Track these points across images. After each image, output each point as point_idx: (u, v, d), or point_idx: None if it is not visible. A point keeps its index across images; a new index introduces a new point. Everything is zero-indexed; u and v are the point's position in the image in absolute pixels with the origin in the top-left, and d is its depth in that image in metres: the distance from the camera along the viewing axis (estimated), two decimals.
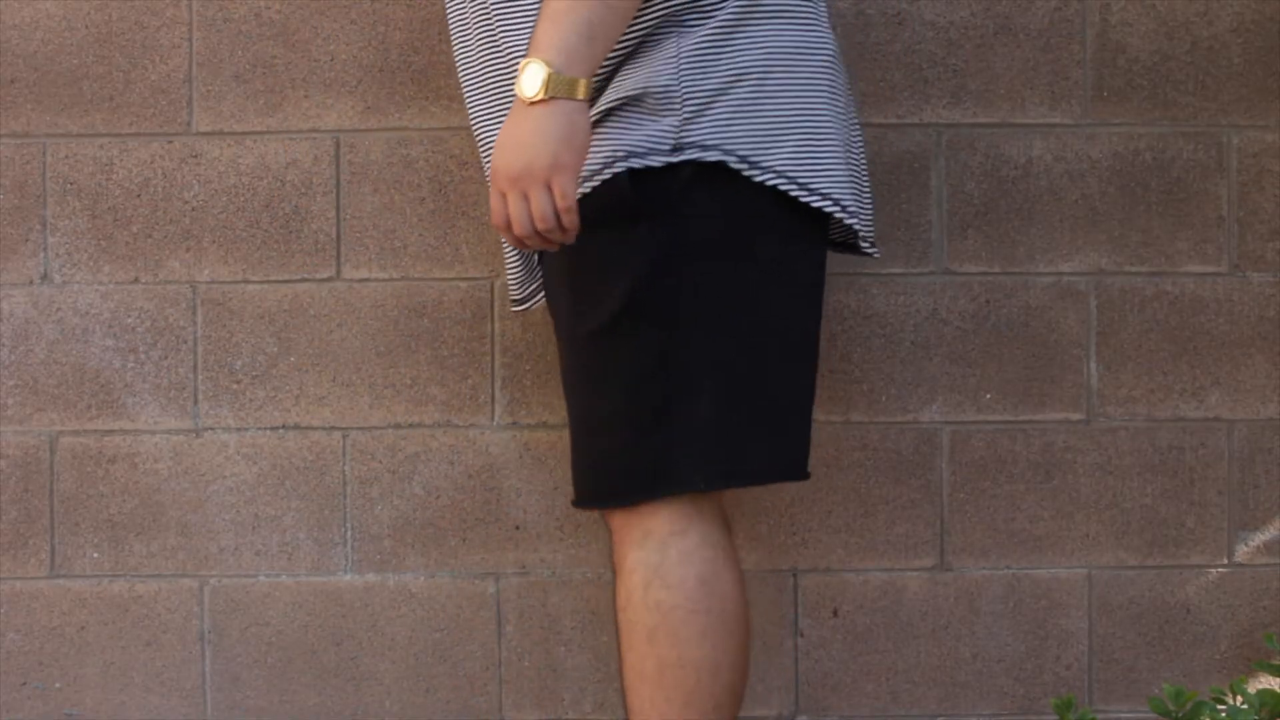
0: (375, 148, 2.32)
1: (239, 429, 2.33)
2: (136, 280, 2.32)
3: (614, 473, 1.86)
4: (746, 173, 1.82)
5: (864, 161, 2.00)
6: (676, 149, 1.79)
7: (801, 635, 2.36)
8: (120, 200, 2.32)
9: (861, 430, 2.35)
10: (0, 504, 2.33)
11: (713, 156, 1.80)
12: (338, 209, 2.32)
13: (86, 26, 2.32)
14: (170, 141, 2.32)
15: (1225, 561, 2.37)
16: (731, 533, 1.91)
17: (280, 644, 2.34)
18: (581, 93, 1.73)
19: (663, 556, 1.82)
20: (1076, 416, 2.36)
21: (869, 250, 1.99)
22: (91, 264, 2.32)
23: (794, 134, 1.84)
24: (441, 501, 2.34)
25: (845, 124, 1.91)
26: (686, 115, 1.80)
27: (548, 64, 1.71)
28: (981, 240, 2.35)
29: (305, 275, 2.33)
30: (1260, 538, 2.37)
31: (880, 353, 2.34)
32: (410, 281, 2.32)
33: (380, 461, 2.34)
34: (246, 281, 2.33)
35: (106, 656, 2.34)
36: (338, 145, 2.32)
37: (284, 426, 2.33)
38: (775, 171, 1.82)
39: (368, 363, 2.33)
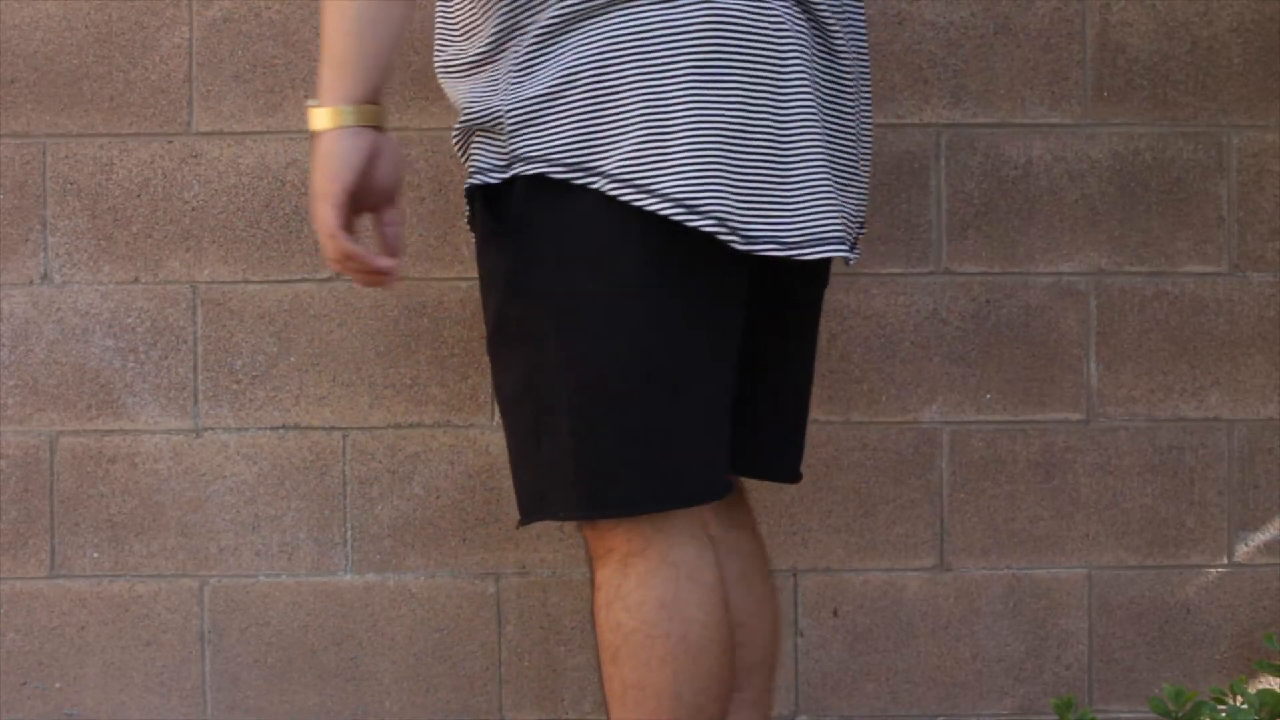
0: None
1: (239, 429, 2.33)
2: (136, 280, 2.33)
3: (517, 490, 1.81)
4: (577, 181, 1.70)
5: (849, 152, 1.82)
6: (508, 164, 1.73)
7: (801, 635, 2.36)
8: (120, 200, 2.32)
9: (861, 430, 2.35)
10: (0, 504, 2.33)
11: (534, 169, 1.71)
12: None
13: (86, 26, 2.32)
14: (170, 141, 2.32)
15: (1225, 561, 2.37)
16: (714, 543, 1.81)
17: (280, 644, 2.34)
18: (337, 120, 1.72)
19: (623, 577, 1.74)
20: (1076, 416, 2.36)
21: (836, 254, 1.76)
22: (91, 264, 2.32)
23: (634, 131, 1.68)
24: (441, 501, 2.34)
25: (744, 109, 1.69)
26: (511, 128, 1.72)
27: (311, 100, 1.75)
28: (981, 240, 2.35)
29: (305, 275, 2.33)
30: (1260, 538, 2.37)
31: (880, 353, 2.35)
32: (410, 281, 2.32)
33: (380, 461, 2.34)
34: (246, 281, 2.33)
35: (106, 656, 2.34)
36: None
37: (284, 426, 2.33)
38: (606, 175, 1.68)
39: (368, 363, 2.33)
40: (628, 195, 1.68)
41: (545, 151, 1.71)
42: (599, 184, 1.69)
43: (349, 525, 2.34)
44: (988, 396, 2.35)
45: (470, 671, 2.35)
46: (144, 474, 2.33)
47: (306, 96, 2.32)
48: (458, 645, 2.35)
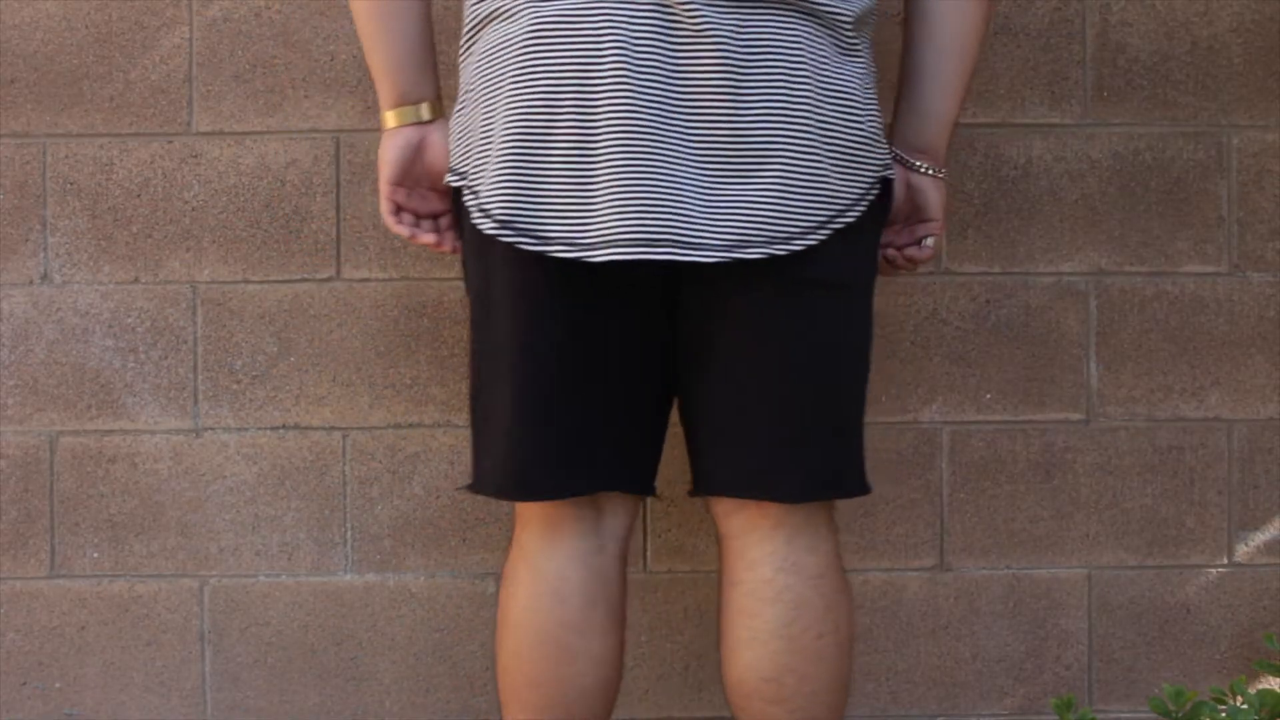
0: (375, 148, 2.31)
1: (239, 429, 2.33)
2: (136, 280, 2.33)
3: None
4: (455, 184, 1.88)
5: (718, 148, 1.76)
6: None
7: None
8: (120, 200, 2.32)
9: None
10: (0, 504, 2.33)
11: (448, 177, 1.90)
12: (338, 209, 2.32)
13: (86, 26, 2.32)
14: (170, 141, 2.32)
15: (1225, 561, 2.37)
16: (734, 554, 1.88)
17: (280, 644, 2.34)
18: (381, 125, 1.95)
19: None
20: (1076, 416, 2.36)
21: (633, 256, 1.74)
22: (91, 264, 2.32)
23: (474, 143, 1.84)
24: (441, 501, 2.34)
25: (547, 113, 1.75)
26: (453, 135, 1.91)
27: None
28: (981, 240, 2.35)
29: (305, 275, 2.33)
30: (1260, 538, 2.37)
31: (880, 353, 2.34)
32: (410, 281, 2.32)
33: (380, 461, 2.34)
34: (246, 281, 2.33)
35: (106, 656, 2.34)
36: (338, 145, 2.32)
37: (284, 426, 2.33)
38: (458, 174, 1.88)
39: (368, 363, 2.33)
40: (466, 197, 1.84)
41: (453, 161, 1.89)
42: (455, 181, 1.88)
43: (349, 525, 2.34)
44: (988, 396, 2.35)
45: (470, 671, 2.35)
46: (144, 474, 2.33)
47: (305, 96, 2.32)
48: (458, 645, 2.35)
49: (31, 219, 2.32)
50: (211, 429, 2.33)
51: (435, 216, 1.98)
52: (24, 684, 2.34)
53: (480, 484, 1.92)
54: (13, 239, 2.32)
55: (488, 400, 1.88)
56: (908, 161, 1.97)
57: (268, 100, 2.32)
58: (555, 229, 1.76)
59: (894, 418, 2.35)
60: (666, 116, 1.74)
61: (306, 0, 2.32)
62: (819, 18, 1.79)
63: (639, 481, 1.92)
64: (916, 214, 2.00)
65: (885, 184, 1.90)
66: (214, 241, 2.32)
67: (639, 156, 1.73)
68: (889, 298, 2.34)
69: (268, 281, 2.33)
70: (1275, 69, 2.36)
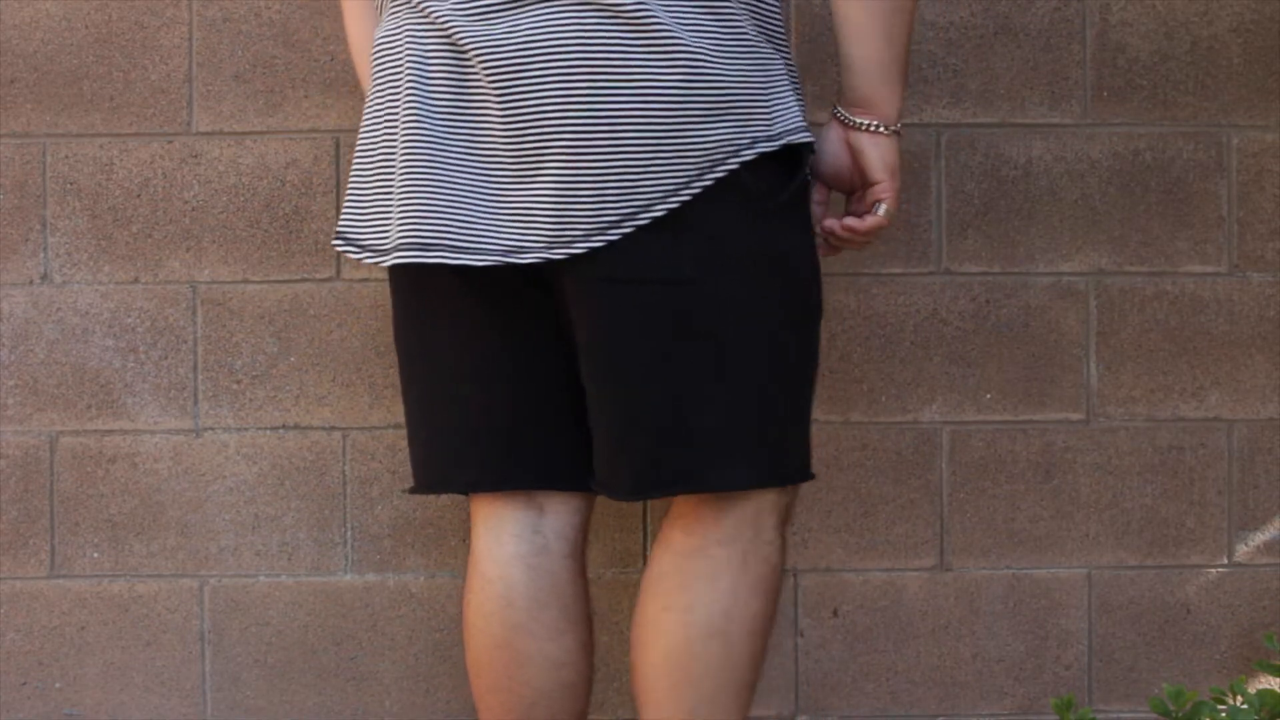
0: None
1: (239, 429, 2.33)
2: (136, 280, 2.33)
3: None
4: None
5: (496, 162, 1.78)
6: None
7: (801, 635, 2.36)
8: (120, 200, 2.32)
9: (861, 430, 2.35)
10: (0, 504, 2.33)
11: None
12: (338, 209, 2.32)
13: (86, 26, 2.32)
14: (170, 141, 2.32)
15: (1225, 561, 2.37)
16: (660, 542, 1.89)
17: (280, 644, 2.34)
18: None
19: None
20: (1076, 416, 2.36)
21: (410, 259, 1.80)
22: (91, 264, 2.32)
23: None
24: (441, 501, 2.34)
25: (371, 134, 1.89)
26: None
27: None
28: (981, 240, 2.35)
29: (305, 275, 2.33)
30: (1260, 538, 2.37)
31: (880, 353, 2.34)
32: None
33: (380, 461, 2.34)
34: (246, 281, 2.33)
35: (106, 656, 2.34)
36: (338, 145, 2.32)
37: (284, 426, 2.33)
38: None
39: (368, 363, 2.33)
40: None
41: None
42: None
43: (349, 525, 2.34)
44: (988, 396, 2.35)
45: None
46: (144, 474, 2.33)
47: (305, 96, 2.32)
48: (458, 645, 2.34)
49: (31, 219, 2.32)
50: (211, 429, 2.33)
51: None
52: (24, 684, 2.34)
53: (413, 478, 1.99)
54: (13, 239, 2.32)
55: (405, 401, 1.97)
56: (844, 118, 1.87)
57: (268, 100, 2.32)
58: (367, 238, 1.86)
59: (894, 418, 2.35)
60: (453, 129, 1.79)
61: (306, 0, 2.32)
62: (598, 6, 1.74)
63: (568, 478, 1.90)
64: (864, 177, 1.89)
65: (791, 155, 1.82)
66: (214, 241, 2.32)
67: (422, 167, 1.79)
68: (889, 298, 2.34)
69: (268, 281, 2.33)
70: (1275, 69, 2.36)
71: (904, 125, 2.33)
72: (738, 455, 1.83)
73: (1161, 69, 2.35)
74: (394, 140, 1.82)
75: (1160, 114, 2.36)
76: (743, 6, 1.81)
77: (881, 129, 1.87)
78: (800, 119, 1.84)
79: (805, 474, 1.92)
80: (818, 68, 2.29)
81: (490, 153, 1.78)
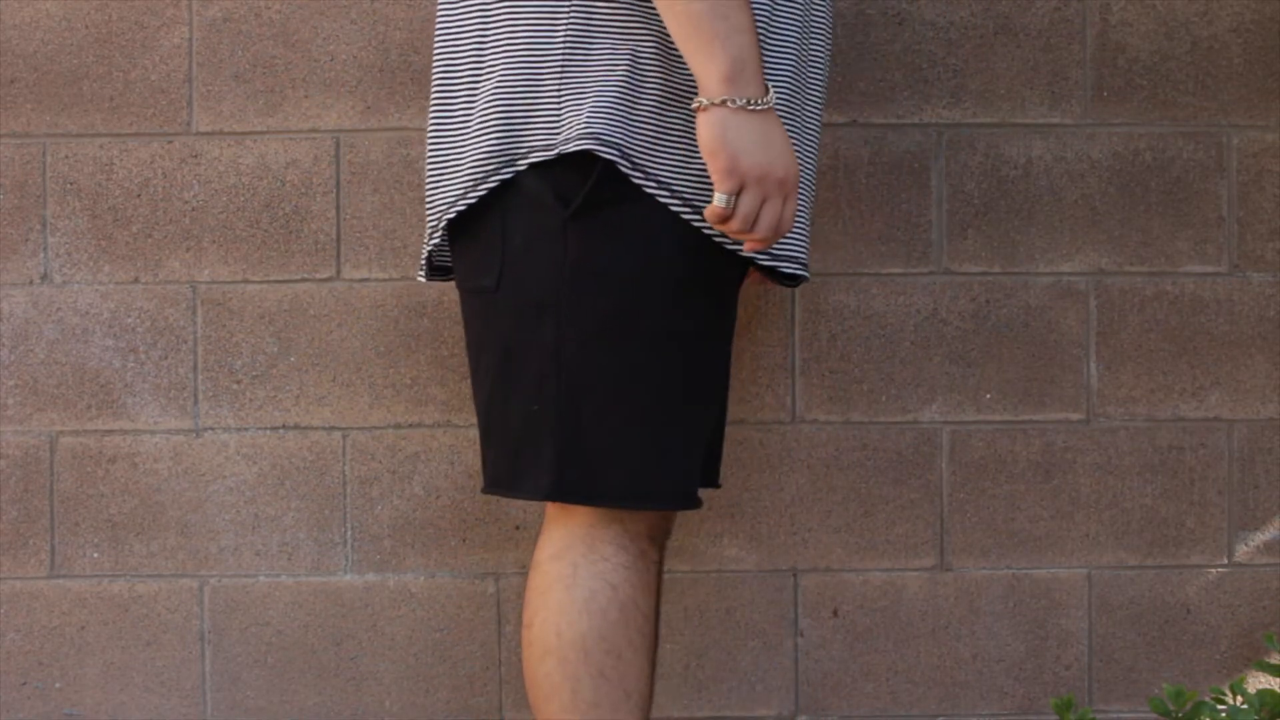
0: (375, 148, 2.32)
1: (239, 429, 2.33)
2: (136, 280, 2.33)
3: None
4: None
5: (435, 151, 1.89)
6: None
7: (801, 635, 2.36)
8: (120, 200, 2.32)
9: (861, 430, 2.35)
10: (0, 504, 2.33)
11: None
12: (338, 209, 2.32)
13: (86, 26, 2.32)
14: (170, 141, 2.32)
15: (1225, 561, 2.37)
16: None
17: (280, 644, 2.34)
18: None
19: None
20: (1076, 416, 2.36)
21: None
22: (91, 264, 2.32)
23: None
24: (441, 501, 2.34)
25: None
26: None
27: None
28: (981, 240, 2.35)
29: (305, 275, 2.33)
30: (1260, 538, 2.37)
31: (880, 353, 2.35)
32: (410, 281, 2.32)
33: (380, 461, 2.34)
34: (246, 281, 2.33)
35: (106, 656, 2.34)
36: (338, 145, 2.32)
37: (284, 426, 2.33)
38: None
39: (368, 363, 2.33)
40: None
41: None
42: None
43: (349, 525, 2.34)
44: (988, 396, 2.35)
45: (470, 671, 2.35)
46: (144, 474, 2.33)
47: (305, 96, 2.32)
48: (458, 645, 2.35)
49: (31, 219, 2.32)
50: (211, 429, 2.33)
51: None
52: (24, 684, 2.34)
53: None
54: (13, 239, 2.32)
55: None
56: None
57: (268, 100, 2.32)
58: None
59: (894, 418, 2.35)
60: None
61: (306, 0, 2.32)
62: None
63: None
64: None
65: (578, 162, 1.77)
66: (214, 241, 2.32)
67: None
68: (889, 298, 2.34)
69: (268, 281, 2.33)
70: (1275, 69, 2.36)
71: (904, 125, 2.33)
72: (539, 466, 1.82)
73: (1161, 69, 2.35)
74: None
75: (1160, 114, 2.36)
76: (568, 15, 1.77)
77: (702, 104, 1.71)
78: (602, 128, 1.75)
79: (648, 500, 1.85)
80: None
81: (435, 150, 1.96)
